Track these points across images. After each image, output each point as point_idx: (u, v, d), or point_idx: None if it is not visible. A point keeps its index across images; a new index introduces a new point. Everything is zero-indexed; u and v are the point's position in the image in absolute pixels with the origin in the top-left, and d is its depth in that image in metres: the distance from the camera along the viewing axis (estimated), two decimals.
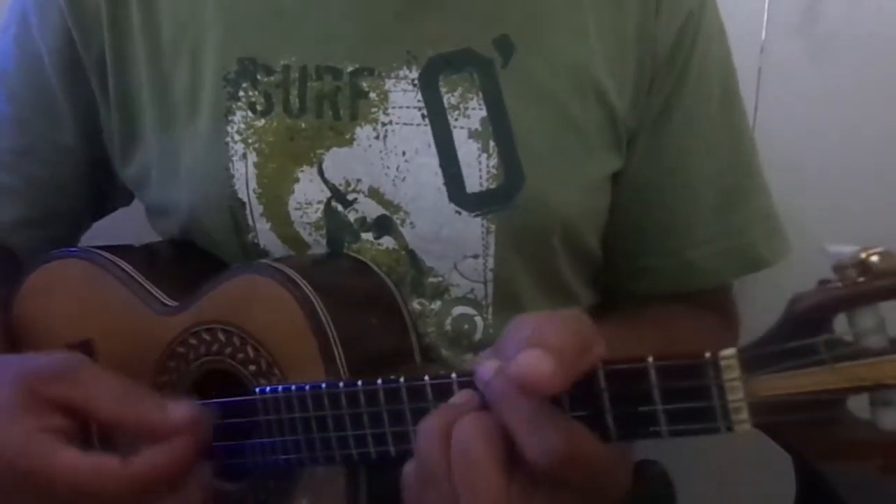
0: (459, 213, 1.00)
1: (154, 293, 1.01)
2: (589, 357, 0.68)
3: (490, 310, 1.03)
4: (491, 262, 1.01)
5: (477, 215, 1.00)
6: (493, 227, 1.00)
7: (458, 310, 1.03)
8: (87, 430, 0.84)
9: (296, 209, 1.02)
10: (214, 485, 0.94)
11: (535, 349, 0.66)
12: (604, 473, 0.69)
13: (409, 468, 0.74)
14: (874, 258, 0.61)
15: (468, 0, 1.01)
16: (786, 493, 1.16)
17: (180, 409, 0.82)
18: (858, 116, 1.48)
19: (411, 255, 1.02)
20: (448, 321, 1.03)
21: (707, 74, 1.09)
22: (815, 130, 1.50)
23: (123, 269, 1.03)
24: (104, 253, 1.05)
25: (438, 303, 1.03)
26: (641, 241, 1.12)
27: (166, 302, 1.00)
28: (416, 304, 1.02)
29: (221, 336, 0.95)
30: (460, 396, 0.74)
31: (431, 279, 1.02)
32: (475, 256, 1.01)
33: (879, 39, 1.47)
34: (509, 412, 0.68)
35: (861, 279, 0.61)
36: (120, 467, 0.79)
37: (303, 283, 0.91)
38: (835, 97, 1.49)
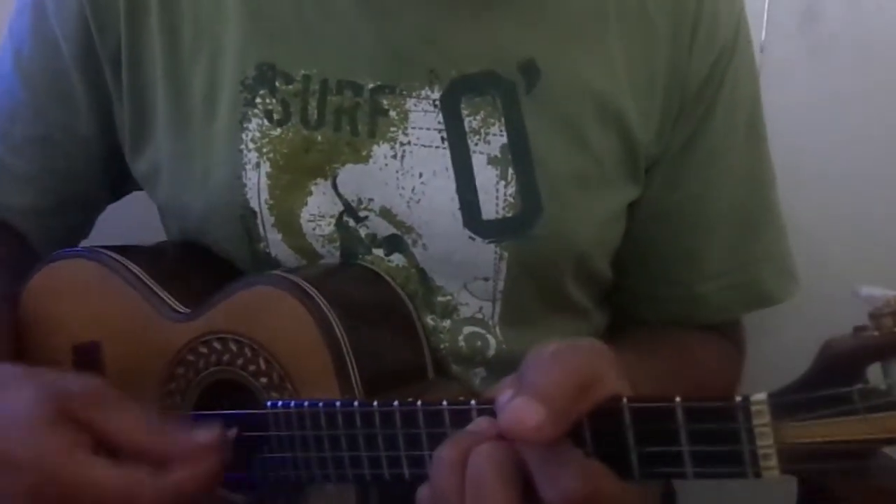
0: (473, 240, 0.99)
1: (164, 298, 1.00)
2: (590, 397, 0.68)
3: (497, 329, 1.03)
4: (501, 285, 1.01)
5: (491, 242, 0.99)
6: (506, 255, 0.99)
7: (468, 329, 1.02)
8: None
9: (308, 221, 1.02)
10: (224, 495, 0.95)
11: (523, 397, 0.66)
12: None
13: (423, 493, 0.73)
14: None
15: (495, 20, 0.99)
16: (786, 493, 1.17)
17: (205, 433, 0.83)
18: (858, 116, 1.49)
19: (421, 273, 1.01)
20: (461, 338, 1.02)
21: (735, 107, 1.07)
22: (815, 130, 1.50)
23: (132, 272, 1.02)
24: (112, 254, 1.04)
25: (448, 322, 1.02)
26: (653, 268, 1.11)
27: (177, 308, 0.99)
28: (429, 320, 1.02)
29: (233, 346, 0.94)
30: (477, 424, 0.73)
31: (440, 298, 1.02)
32: (485, 279, 1.01)
33: (879, 39, 1.48)
34: (525, 450, 0.68)
35: None
36: (150, 481, 0.79)
37: (317, 295, 0.91)
38: (835, 97, 1.49)
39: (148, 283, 1.02)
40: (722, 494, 1.55)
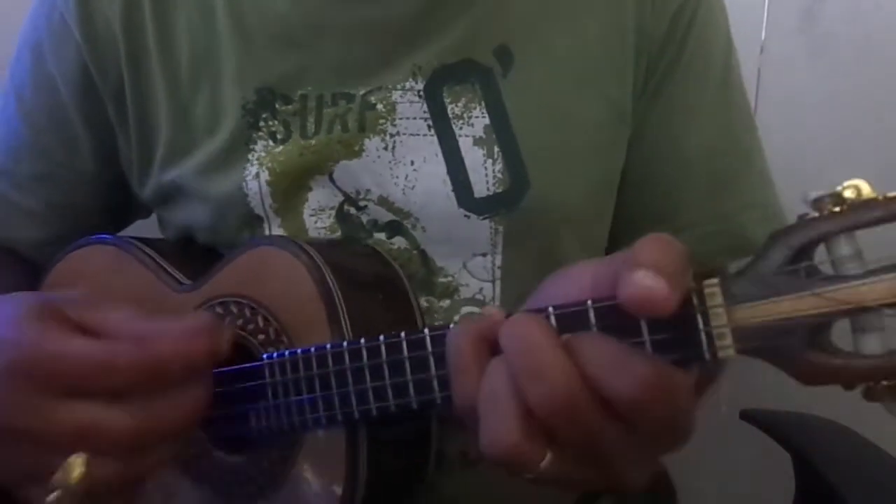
0: (468, 218, 1.02)
1: (172, 272, 1.04)
2: (689, 276, 0.67)
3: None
4: (499, 260, 1.03)
5: (485, 218, 1.02)
6: (500, 228, 1.02)
7: (466, 309, 1.05)
8: None
9: (310, 216, 1.05)
10: (220, 456, 0.98)
11: (646, 271, 0.64)
12: (683, 401, 0.67)
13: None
14: (848, 191, 0.63)
15: (470, 14, 1.03)
16: (785, 492, 1.18)
17: (197, 317, 0.84)
18: (858, 116, 1.50)
19: (422, 254, 1.04)
20: (456, 318, 1.04)
21: (703, 58, 1.09)
22: (815, 130, 1.51)
23: (146, 253, 1.06)
24: (131, 238, 1.09)
25: (447, 301, 1.05)
26: (636, 224, 1.12)
27: (183, 280, 1.03)
28: (423, 302, 1.04)
29: (234, 308, 0.97)
30: (488, 311, 0.73)
31: (441, 279, 1.04)
32: (483, 254, 1.03)
33: (879, 39, 1.49)
34: (596, 347, 0.67)
35: (836, 209, 0.63)
36: (129, 349, 0.75)
37: (315, 254, 0.94)
38: (834, 97, 1.51)
39: (158, 260, 1.06)
40: (722, 494, 1.55)
